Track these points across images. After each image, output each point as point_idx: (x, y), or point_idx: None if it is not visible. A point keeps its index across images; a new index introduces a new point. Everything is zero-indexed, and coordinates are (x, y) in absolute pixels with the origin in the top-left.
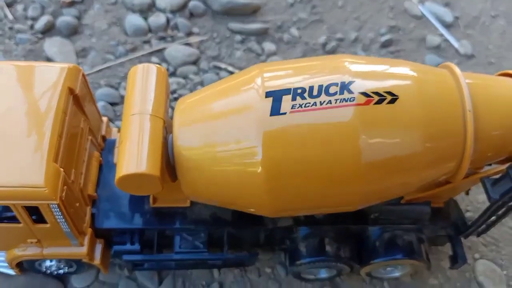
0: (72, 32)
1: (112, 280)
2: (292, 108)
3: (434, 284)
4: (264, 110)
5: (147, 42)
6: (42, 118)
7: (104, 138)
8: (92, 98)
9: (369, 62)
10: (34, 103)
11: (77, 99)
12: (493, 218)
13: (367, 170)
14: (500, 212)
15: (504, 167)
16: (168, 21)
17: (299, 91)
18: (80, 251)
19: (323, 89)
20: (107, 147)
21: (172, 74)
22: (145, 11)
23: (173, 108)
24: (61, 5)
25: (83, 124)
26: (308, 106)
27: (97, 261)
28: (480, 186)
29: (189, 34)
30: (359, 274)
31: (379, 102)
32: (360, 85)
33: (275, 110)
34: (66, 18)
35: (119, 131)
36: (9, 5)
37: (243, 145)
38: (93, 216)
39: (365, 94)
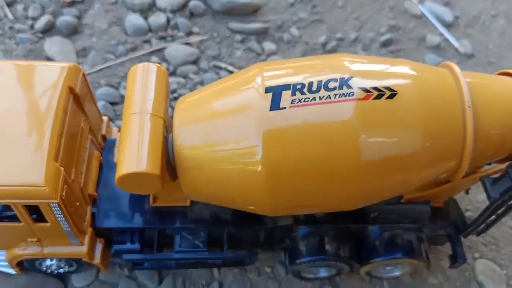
0: (72, 32)
1: (112, 280)
2: (291, 103)
3: (433, 284)
4: (264, 105)
5: (147, 41)
6: (42, 117)
7: (104, 137)
8: (92, 97)
9: (369, 61)
10: (35, 102)
11: (77, 98)
12: (493, 217)
13: (367, 168)
14: (499, 211)
15: (503, 166)
16: (168, 20)
17: (298, 86)
18: (80, 250)
19: (323, 84)
20: (107, 146)
21: (172, 73)
22: (145, 11)
23: (173, 108)
24: (61, 5)
25: (83, 124)
26: (308, 101)
27: (97, 260)
28: (480, 186)
29: (189, 33)
30: (359, 273)
31: (378, 97)
32: (359, 81)
33: (275, 105)
34: (66, 17)
35: (119, 130)
36: (9, 5)
37: (243, 144)
38: (93, 215)
39: (364, 89)
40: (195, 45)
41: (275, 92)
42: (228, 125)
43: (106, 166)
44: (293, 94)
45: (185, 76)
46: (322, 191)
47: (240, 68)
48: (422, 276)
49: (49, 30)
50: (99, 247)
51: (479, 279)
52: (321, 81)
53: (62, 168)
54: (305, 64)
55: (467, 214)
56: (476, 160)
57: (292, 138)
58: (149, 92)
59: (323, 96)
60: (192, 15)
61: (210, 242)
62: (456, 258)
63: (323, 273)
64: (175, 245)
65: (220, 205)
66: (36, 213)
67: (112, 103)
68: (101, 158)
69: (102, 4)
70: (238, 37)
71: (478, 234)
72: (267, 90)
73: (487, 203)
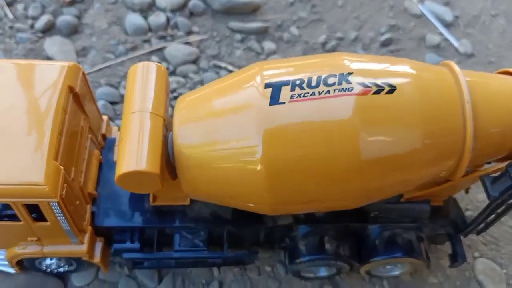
0: (72, 31)
1: (112, 279)
2: (291, 98)
3: (433, 283)
4: (264, 101)
5: (147, 41)
6: (42, 117)
7: (104, 136)
8: (92, 96)
9: (369, 60)
10: (34, 101)
11: (77, 97)
12: (493, 216)
13: (366, 167)
14: (499, 210)
15: (503, 165)
16: (168, 20)
17: (298, 82)
18: (80, 249)
19: (322, 80)
20: (107, 145)
21: (172, 73)
22: (145, 10)
23: (173, 107)
24: (61, 4)
25: (83, 123)
26: (307, 96)
27: (97, 259)
28: (479, 185)
29: (189, 33)
30: (359, 273)
31: (377, 92)
32: (358, 77)
33: (274, 100)
34: (67, 17)
35: (119, 129)
36: (10, 4)
37: (243, 143)
38: (93, 214)
39: (363, 84)
40: (195, 44)
41: (275, 88)
42: (228, 123)
43: (106, 165)
44: (293, 89)
45: (185, 76)
46: (322, 189)
47: (240, 67)
48: (422, 275)
49: (49, 29)
50: (99, 246)
51: (479, 278)
52: (321, 76)
53: (62, 167)
54: (305, 62)
55: (467, 213)
56: (476, 159)
57: (292, 137)
58: (149, 91)
59: (323, 91)
60: (192, 14)
61: (210, 241)
62: (456, 257)
63: (323, 272)
64: (175, 244)
65: (220, 204)
66: (36, 212)
67: (112, 103)
68: (101, 157)
69: (102, 4)
70: (238, 36)
71: (478, 233)
72: (267, 85)
73: (487, 202)
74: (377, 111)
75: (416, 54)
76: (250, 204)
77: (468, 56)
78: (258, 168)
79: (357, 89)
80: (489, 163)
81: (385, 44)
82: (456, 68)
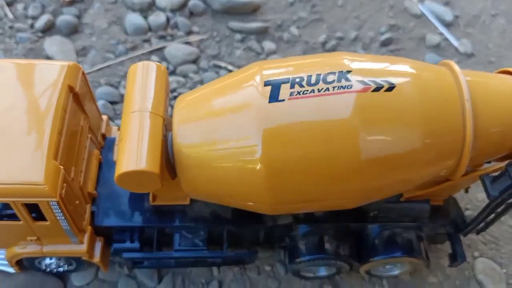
0: (72, 31)
1: (112, 278)
2: (290, 95)
3: (433, 282)
4: (263, 99)
5: (147, 41)
6: (42, 116)
7: (104, 136)
8: (92, 96)
9: (368, 59)
10: (34, 101)
11: (77, 97)
12: (492, 215)
13: (366, 166)
14: (499, 210)
15: (503, 164)
16: (168, 20)
17: (297, 80)
18: (79, 249)
19: (321, 77)
20: (107, 145)
21: (172, 73)
22: (145, 10)
23: (172, 107)
24: (61, 4)
25: (83, 122)
26: (306, 93)
27: (96, 259)
28: (479, 184)
29: (189, 33)
30: (359, 272)
31: (376, 90)
32: (358, 75)
33: (274, 97)
34: (66, 17)
35: (119, 129)
36: (9, 4)
37: (243, 143)
38: (92, 214)
39: (362, 82)
40: (195, 44)
41: (274, 86)
42: (228, 123)
43: (106, 164)
44: (292, 87)
45: (184, 75)
46: (322, 189)
47: (240, 67)
48: (422, 275)
49: (49, 29)
50: (98, 246)
51: (479, 278)
52: (320, 74)
53: (61, 167)
54: (304, 61)
55: (467, 212)
56: (475, 158)
57: (292, 136)
58: (148, 91)
59: (322, 89)
60: (191, 14)
61: (210, 241)
62: (456, 257)
63: (323, 272)
64: (174, 243)
65: (220, 204)
66: (35, 211)
67: (112, 102)
68: (100, 156)
69: (102, 4)
70: (238, 36)
71: (477, 233)
72: (266, 83)
73: (486, 201)
74: (377, 110)
75: (416, 54)
76: (250, 204)
77: (468, 56)
78: (258, 167)
79: (357, 86)
80: (489, 162)
81: (385, 43)
82: (456, 67)
